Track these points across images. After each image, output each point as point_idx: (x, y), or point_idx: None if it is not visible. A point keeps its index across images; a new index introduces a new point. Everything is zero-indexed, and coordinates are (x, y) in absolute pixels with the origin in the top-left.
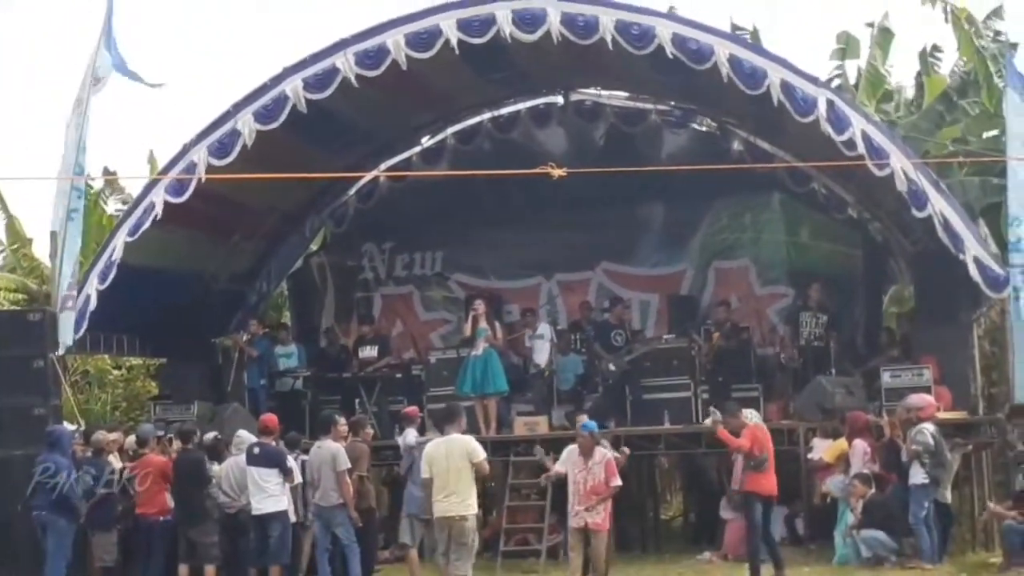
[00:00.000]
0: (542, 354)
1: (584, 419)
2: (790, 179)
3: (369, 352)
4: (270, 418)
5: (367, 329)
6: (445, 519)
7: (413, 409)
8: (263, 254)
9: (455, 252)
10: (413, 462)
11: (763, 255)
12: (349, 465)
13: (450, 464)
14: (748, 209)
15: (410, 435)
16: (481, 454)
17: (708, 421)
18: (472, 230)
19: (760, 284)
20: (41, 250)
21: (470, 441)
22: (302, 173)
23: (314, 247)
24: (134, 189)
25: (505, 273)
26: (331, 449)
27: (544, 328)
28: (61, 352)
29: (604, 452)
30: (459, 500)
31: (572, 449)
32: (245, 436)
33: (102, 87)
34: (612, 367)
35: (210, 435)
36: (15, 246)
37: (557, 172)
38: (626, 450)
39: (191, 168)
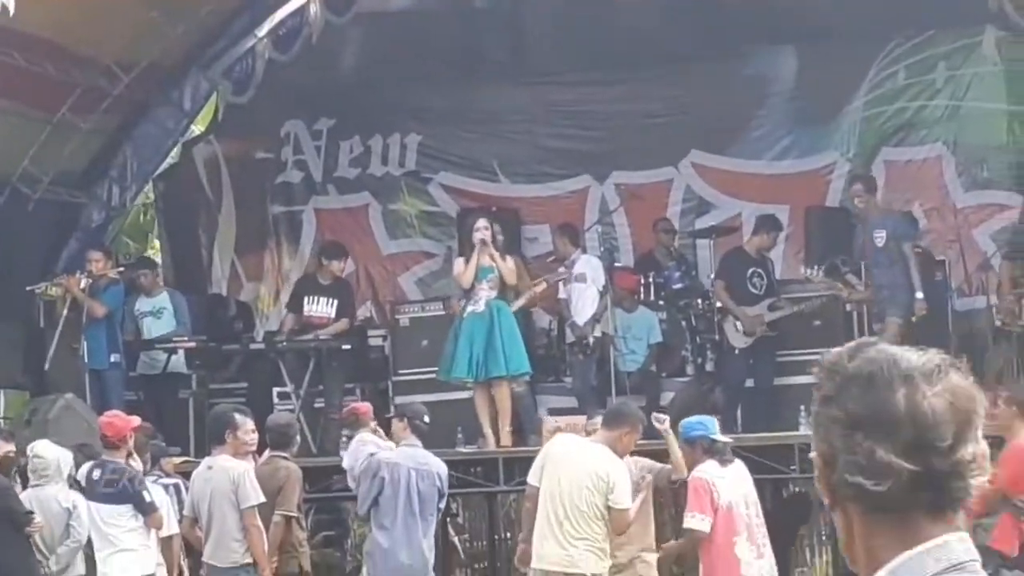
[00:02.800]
0: (586, 307)
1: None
2: (1013, 5)
3: (320, 308)
4: (112, 421)
5: (327, 267)
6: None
7: (363, 407)
8: (111, 139)
9: (440, 135)
10: (380, 492)
11: (967, 136)
12: (262, 499)
13: (580, 490)
14: (942, 57)
15: (364, 448)
16: (626, 500)
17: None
18: (469, 97)
19: (963, 187)
20: None
21: (621, 476)
22: None
23: (198, 128)
24: None
25: (526, 170)
26: (230, 472)
27: (589, 264)
28: None
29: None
30: (587, 546)
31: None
32: (49, 454)
33: None
34: (741, 330)
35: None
36: None
37: None
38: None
39: None
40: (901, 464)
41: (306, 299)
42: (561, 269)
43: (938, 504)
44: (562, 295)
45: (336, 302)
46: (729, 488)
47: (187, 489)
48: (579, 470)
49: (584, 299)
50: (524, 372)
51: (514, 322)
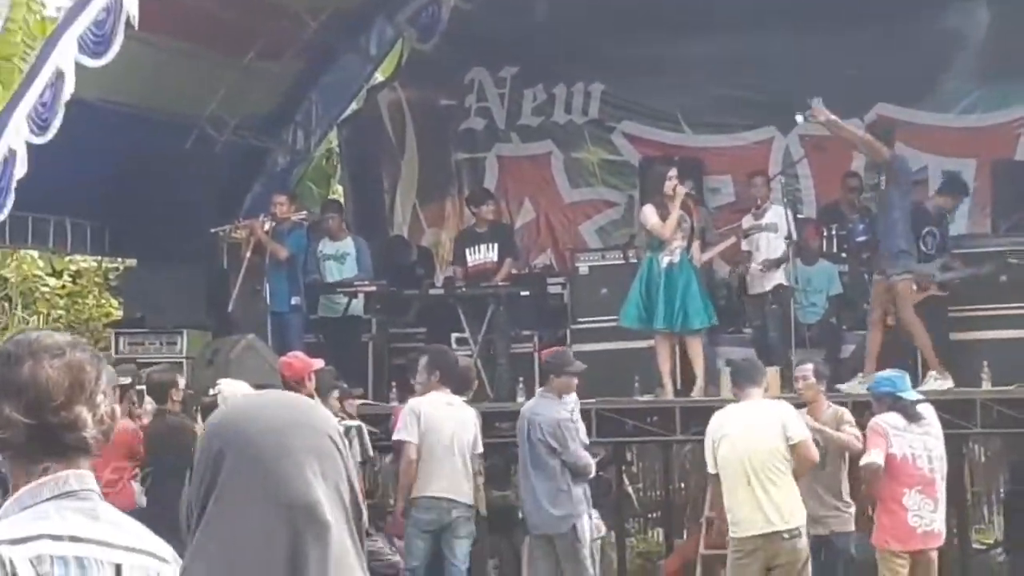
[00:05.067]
0: (773, 258)
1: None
2: None
3: (482, 255)
4: (291, 362)
5: (478, 215)
6: (763, 539)
7: (552, 352)
8: (297, 84)
9: (624, 84)
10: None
11: None
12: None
13: (759, 447)
14: None
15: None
16: (803, 431)
17: None
18: (654, 46)
19: None
20: None
21: (788, 411)
22: None
23: (382, 75)
24: None
25: (709, 120)
26: (474, 415)
27: (776, 214)
28: None
29: None
30: (785, 504)
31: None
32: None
33: None
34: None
35: (211, 391)
36: None
37: None
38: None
39: None
40: (19, 418)
41: (467, 251)
42: (747, 223)
43: (58, 449)
44: (745, 247)
45: (496, 245)
46: (907, 442)
47: (368, 432)
48: (760, 426)
49: (772, 249)
50: (708, 325)
51: (696, 276)
